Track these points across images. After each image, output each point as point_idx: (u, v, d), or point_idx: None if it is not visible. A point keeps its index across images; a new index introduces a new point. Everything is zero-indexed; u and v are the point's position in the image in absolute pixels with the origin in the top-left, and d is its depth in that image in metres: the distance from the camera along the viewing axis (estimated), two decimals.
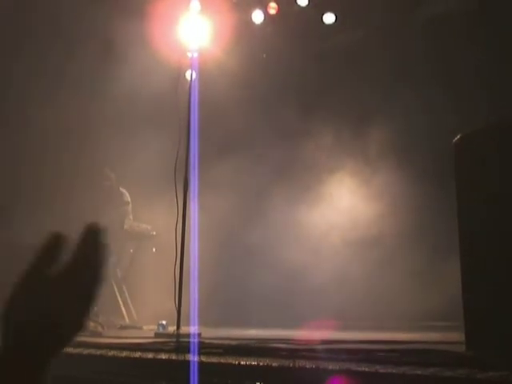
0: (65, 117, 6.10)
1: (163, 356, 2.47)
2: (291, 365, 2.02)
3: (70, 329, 0.74)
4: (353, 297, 5.72)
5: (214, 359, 2.28)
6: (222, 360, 2.23)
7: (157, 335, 4.15)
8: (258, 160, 6.77)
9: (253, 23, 7.24)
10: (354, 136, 6.32)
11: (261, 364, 2.08)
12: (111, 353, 2.67)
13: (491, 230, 2.40)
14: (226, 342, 3.09)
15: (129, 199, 7.03)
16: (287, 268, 6.15)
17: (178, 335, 3.75)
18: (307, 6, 6.98)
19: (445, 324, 4.71)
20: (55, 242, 0.77)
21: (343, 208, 6.35)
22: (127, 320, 6.46)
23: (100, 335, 4.51)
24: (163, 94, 5.45)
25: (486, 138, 2.53)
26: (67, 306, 0.73)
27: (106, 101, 6.48)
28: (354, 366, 1.90)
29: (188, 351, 2.52)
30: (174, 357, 2.44)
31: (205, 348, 2.66)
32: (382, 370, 1.81)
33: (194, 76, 4.52)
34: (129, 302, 6.73)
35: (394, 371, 1.79)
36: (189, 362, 2.22)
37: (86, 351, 2.78)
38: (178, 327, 3.86)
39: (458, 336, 2.56)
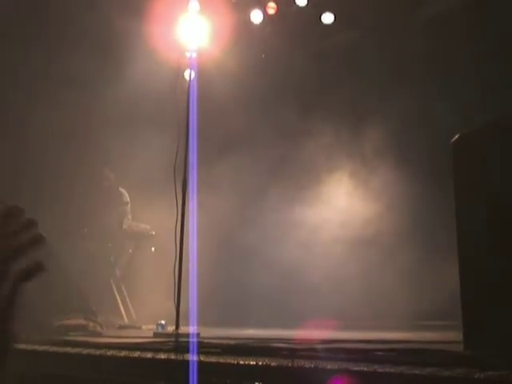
0: (64, 117, 6.10)
1: (162, 356, 2.47)
2: (290, 364, 2.03)
3: None
4: (351, 296, 5.72)
5: (213, 359, 2.28)
6: (221, 360, 2.24)
7: (156, 335, 4.15)
8: (256, 160, 6.77)
9: (252, 23, 7.24)
10: (352, 135, 6.32)
11: (259, 364, 2.09)
12: (110, 352, 2.67)
13: (490, 229, 2.41)
14: (225, 341, 3.09)
15: (128, 199, 7.03)
16: (286, 267, 6.16)
17: (176, 335, 3.75)
18: (306, 5, 6.99)
19: (443, 323, 4.71)
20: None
21: (341, 207, 6.35)
22: (126, 320, 6.46)
23: (99, 335, 4.51)
24: (162, 94, 5.46)
25: (483, 137, 2.54)
26: None
27: (104, 101, 6.48)
28: (352, 366, 1.91)
29: (187, 351, 2.52)
30: (172, 356, 2.45)
31: (204, 348, 2.67)
32: (380, 370, 1.81)
33: (192, 76, 4.52)
34: (128, 301, 6.73)
35: (392, 371, 1.80)
36: (188, 361, 2.23)
37: (85, 351, 2.78)
38: (177, 327, 3.86)
39: (456, 335, 2.57)
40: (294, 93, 6.97)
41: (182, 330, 3.84)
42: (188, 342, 2.89)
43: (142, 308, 6.56)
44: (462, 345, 2.39)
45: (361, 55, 6.63)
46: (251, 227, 6.59)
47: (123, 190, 7.02)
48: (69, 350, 2.76)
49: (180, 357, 2.41)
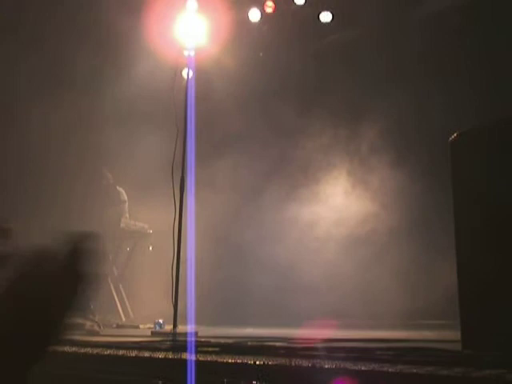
0: (63, 117, 6.10)
1: (160, 355, 2.46)
2: (288, 363, 2.02)
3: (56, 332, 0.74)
4: (349, 295, 5.72)
5: (211, 358, 2.28)
6: (219, 359, 2.23)
7: (153, 334, 4.15)
8: (253, 158, 6.77)
9: (249, 22, 7.23)
10: (349, 134, 6.32)
11: (257, 363, 2.08)
12: (108, 351, 2.66)
13: (488, 228, 2.41)
14: (223, 340, 3.09)
15: (125, 198, 7.03)
16: (283, 266, 6.16)
17: (174, 334, 3.75)
18: (304, 4, 6.98)
19: (441, 322, 4.72)
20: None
21: (338, 206, 6.36)
22: (124, 319, 6.46)
23: (97, 334, 4.50)
24: (160, 93, 5.45)
25: (481, 136, 2.54)
26: (55, 311, 0.73)
27: (102, 100, 6.48)
28: (350, 365, 1.90)
29: (185, 350, 2.52)
30: (170, 355, 2.44)
31: (201, 347, 2.66)
32: (378, 369, 1.81)
33: (190, 74, 4.51)
34: (125, 300, 6.73)
35: (390, 370, 1.79)
36: (185, 360, 2.22)
37: (82, 350, 2.78)
38: (175, 326, 3.86)
39: (454, 334, 2.57)
40: (291, 91, 6.97)
41: (180, 328, 3.84)
42: (186, 340, 2.89)
43: (139, 307, 6.56)
44: (460, 344, 2.39)
45: (358, 54, 6.63)
46: (248, 226, 6.59)
47: (121, 189, 7.01)
48: (66, 348, 2.75)
49: (178, 356, 2.40)
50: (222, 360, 2.20)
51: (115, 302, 6.58)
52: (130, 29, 6.12)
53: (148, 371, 2.39)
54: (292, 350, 2.47)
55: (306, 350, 2.37)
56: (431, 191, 5.28)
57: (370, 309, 5.56)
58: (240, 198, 6.72)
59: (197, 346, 2.60)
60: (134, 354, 2.52)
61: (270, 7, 7.14)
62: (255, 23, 7.25)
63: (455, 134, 2.61)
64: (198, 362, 2.19)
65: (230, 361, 2.17)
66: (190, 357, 2.29)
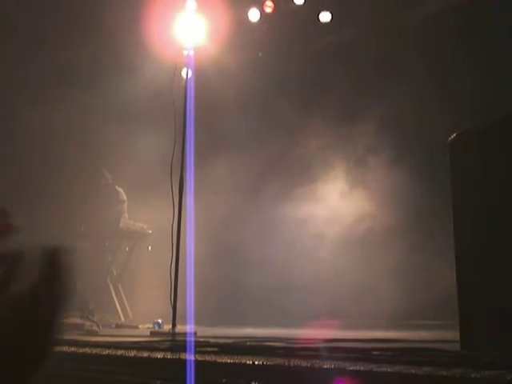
0: (63, 117, 6.10)
1: (159, 355, 2.46)
2: (286, 363, 2.03)
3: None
4: (348, 295, 5.73)
5: (210, 358, 2.28)
6: (218, 359, 2.24)
7: (152, 334, 4.15)
8: (251, 157, 6.77)
9: (249, 21, 7.23)
10: (347, 134, 6.33)
11: (256, 363, 2.08)
12: (107, 351, 2.66)
13: (486, 228, 2.41)
14: (222, 340, 3.09)
15: (124, 198, 7.02)
16: (281, 265, 6.16)
17: (173, 334, 3.75)
18: (303, 4, 6.98)
19: (439, 323, 4.72)
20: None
21: (335, 205, 6.36)
22: (123, 319, 6.46)
23: (96, 334, 4.50)
24: (159, 92, 5.45)
25: (480, 136, 2.54)
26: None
27: (102, 100, 6.47)
28: (349, 365, 1.90)
29: (184, 350, 2.52)
30: (169, 355, 2.44)
31: (200, 347, 2.67)
32: (376, 369, 1.81)
33: (189, 74, 4.51)
34: (124, 300, 6.73)
35: (388, 370, 1.80)
36: (184, 360, 2.22)
37: (81, 350, 2.78)
38: (174, 326, 3.86)
39: (452, 335, 2.57)
40: (290, 91, 6.97)
41: (179, 328, 3.84)
42: (185, 340, 2.89)
43: (138, 307, 6.56)
44: (458, 344, 2.39)
45: (357, 54, 6.64)
46: (247, 225, 6.59)
47: (120, 189, 7.01)
48: (65, 349, 2.75)
49: (177, 356, 2.40)
50: (220, 360, 2.21)
51: (114, 302, 6.58)
52: (129, 29, 6.12)
53: (147, 371, 2.39)
54: (290, 350, 2.48)
55: (304, 351, 2.37)
56: (430, 191, 5.28)
57: (368, 309, 5.56)
58: (238, 197, 6.71)
59: (196, 346, 2.60)
60: (132, 353, 2.52)
61: (269, 7, 7.14)
62: (254, 23, 7.25)
63: (454, 135, 2.61)
64: (196, 362, 2.19)
65: (228, 361, 2.17)
66: (189, 357, 2.29)
